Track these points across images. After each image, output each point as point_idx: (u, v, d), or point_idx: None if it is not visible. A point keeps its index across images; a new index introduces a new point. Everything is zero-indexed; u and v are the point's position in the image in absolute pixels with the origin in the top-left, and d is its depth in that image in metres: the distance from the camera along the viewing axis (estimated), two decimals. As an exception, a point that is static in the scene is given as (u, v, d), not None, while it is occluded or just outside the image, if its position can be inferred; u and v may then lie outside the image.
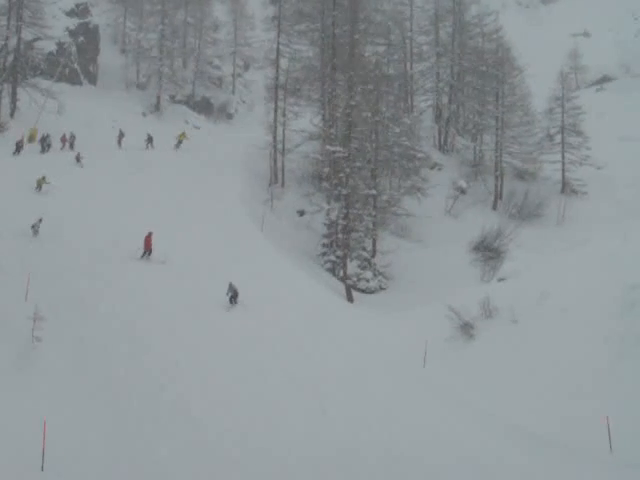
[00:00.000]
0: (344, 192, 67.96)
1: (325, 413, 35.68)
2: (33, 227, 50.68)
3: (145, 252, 52.59)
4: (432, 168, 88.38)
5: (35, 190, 59.85)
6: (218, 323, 44.73)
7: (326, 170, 73.10)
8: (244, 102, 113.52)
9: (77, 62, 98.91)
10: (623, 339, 35.28)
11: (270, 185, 79.91)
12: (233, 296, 48.18)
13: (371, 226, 71.28)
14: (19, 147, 71.13)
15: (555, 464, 28.70)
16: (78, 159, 70.38)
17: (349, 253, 68.01)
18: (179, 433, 32.48)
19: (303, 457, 31.33)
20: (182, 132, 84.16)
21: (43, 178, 60.23)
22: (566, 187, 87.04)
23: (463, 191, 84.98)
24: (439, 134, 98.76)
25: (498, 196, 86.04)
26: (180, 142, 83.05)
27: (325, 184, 72.14)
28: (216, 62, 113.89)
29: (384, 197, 74.54)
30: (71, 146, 77.08)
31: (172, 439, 31.93)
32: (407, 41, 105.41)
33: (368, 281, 68.53)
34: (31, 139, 75.14)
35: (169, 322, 43.31)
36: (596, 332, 37.15)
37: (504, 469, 28.47)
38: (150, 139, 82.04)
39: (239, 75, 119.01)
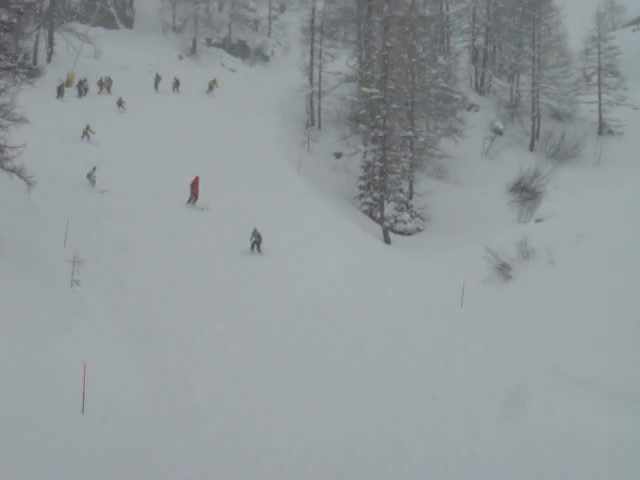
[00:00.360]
0: (381, 134, 67.37)
1: (365, 354, 35.86)
2: (89, 176, 51.30)
3: (191, 198, 53.31)
4: (469, 109, 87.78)
5: (81, 139, 60.27)
6: (254, 267, 44.95)
7: (362, 112, 72.44)
8: (280, 44, 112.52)
9: (113, 6, 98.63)
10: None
11: (307, 127, 79.72)
12: (256, 242, 48.29)
13: (408, 168, 70.76)
14: (61, 91, 71.53)
15: (589, 404, 28.61)
16: (120, 104, 70.64)
17: (386, 195, 67.55)
18: (217, 374, 32.72)
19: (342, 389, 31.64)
20: (213, 79, 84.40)
21: (88, 127, 60.59)
22: (603, 128, 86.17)
23: (500, 132, 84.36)
24: (475, 75, 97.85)
25: (535, 137, 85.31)
26: (211, 88, 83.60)
27: (362, 126, 71.58)
28: (252, 4, 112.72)
29: (421, 139, 74.05)
30: (108, 90, 77.30)
31: (210, 380, 32.16)
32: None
33: (405, 223, 68.29)
34: (69, 83, 75.37)
35: (206, 266, 43.61)
36: (634, 273, 36.86)
37: (536, 405, 28.38)
38: (177, 83, 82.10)
39: (275, 17, 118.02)
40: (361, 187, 70.18)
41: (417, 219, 69.27)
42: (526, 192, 70.27)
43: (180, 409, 30.07)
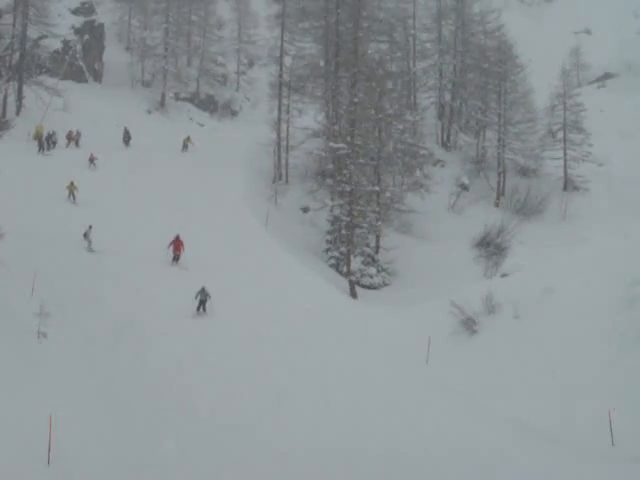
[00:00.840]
0: (347, 188, 67.97)
1: (329, 405, 35.79)
2: (85, 236, 51.36)
3: (174, 257, 53.28)
4: (435, 165, 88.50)
5: (68, 199, 60.54)
6: (223, 322, 44.90)
7: (330, 167, 73.08)
8: (248, 99, 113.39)
9: (82, 60, 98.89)
10: (625, 335, 35.24)
11: (274, 182, 79.97)
12: (203, 300, 46.11)
13: (375, 222, 71.22)
14: (41, 145, 72.63)
15: (555, 458, 28.70)
16: (92, 160, 70.68)
17: (353, 249, 68.05)
18: (184, 428, 32.54)
19: (310, 448, 31.43)
20: (187, 136, 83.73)
21: (72, 184, 60.44)
22: (568, 184, 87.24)
23: (466, 187, 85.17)
24: (442, 131, 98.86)
25: (500, 192, 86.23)
26: (186, 146, 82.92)
27: (329, 181, 72.14)
28: (220, 60, 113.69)
29: (387, 194, 74.57)
30: (76, 143, 77.37)
31: (177, 434, 31.99)
32: (410, 39, 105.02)
33: (372, 277, 68.63)
34: (36, 136, 75.26)
35: (174, 321, 43.57)
36: (598, 328, 37.10)
37: (504, 463, 28.44)
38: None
39: (243, 73, 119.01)
40: (328, 241, 70.49)
41: (383, 273, 69.58)
42: (492, 247, 70.79)
43: (147, 463, 29.83)
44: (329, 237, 70.41)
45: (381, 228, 72.65)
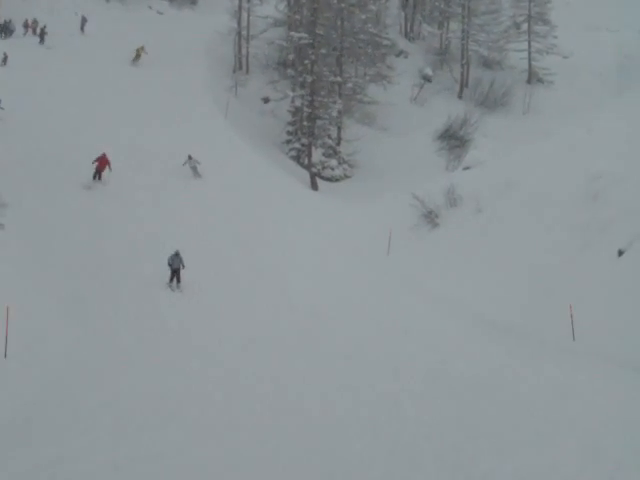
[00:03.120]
0: (309, 79, 66.83)
1: (285, 295, 35.76)
2: None
3: (96, 173, 47.29)
4: (398, 56, 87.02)
5: None
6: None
7: (291, 57, 71.79)
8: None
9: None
10: (588, 228, 35.05)
11: (234, 72, 78.46)
12: (175, 271, 37.63)
13: (336, 114, 70.26)
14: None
15: (516, 352, 28.62)
16: (42, 36, 70.72)
17: (314, 141, 67.27)
18: (144, 324, 32.25)
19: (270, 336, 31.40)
20: (141, 46, 77.01)
21: None
22: (532, 76, 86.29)
23: (429, 79, 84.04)
24: (405, 21, 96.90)
25: (464, 84, 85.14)
26: (139, 56, 76.23)
27: (290, 71, 70.78)
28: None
29: (349, 85, 73.46)
30: (34, 31, 75.58)
31: (137, 330, 31.68)
32: None
33: (333, 169, 68.04)
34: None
35: (130, 208, 43.10)
36: (561, 221, 36.83)
37: (464, 354, 28.32)
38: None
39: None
40: (289, 133, 69.57)
41: (345, 165, 69.03)
42: (454, 140, 70.35)
43: (103, 350, 29.54)
44: (290, 128, 69.42)
45: (343, 120, 71.85)
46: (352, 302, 35.90)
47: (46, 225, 39.51)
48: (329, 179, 67.07)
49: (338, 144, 70.51)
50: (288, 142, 69.15)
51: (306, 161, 66.58)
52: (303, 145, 67.73)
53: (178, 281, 37.34)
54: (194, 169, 51.54)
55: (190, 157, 51.65)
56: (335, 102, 69.98)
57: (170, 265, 37.22)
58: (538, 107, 78.14)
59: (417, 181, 52.95)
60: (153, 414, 24.16)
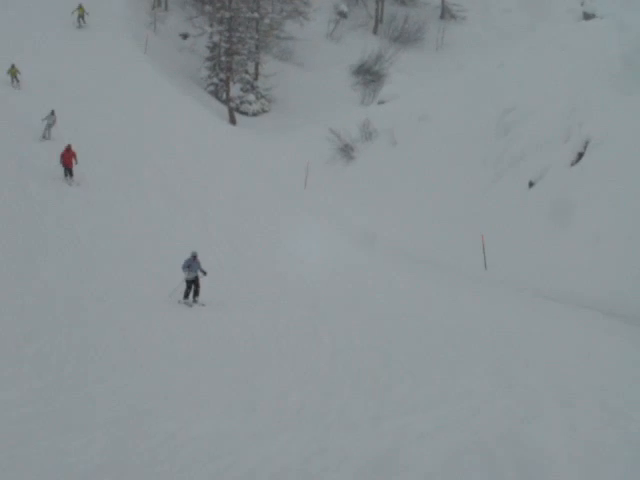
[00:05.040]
0: (227, 15, 65.80)
1: (209, 230, 35.30)
2: None
3: (66, 171, 37.87)
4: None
5: None
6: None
7: (208, -7, 70.73)
8: None
9: None
10: (500, 161, 35.22)
11: (153, 9, 76.82)
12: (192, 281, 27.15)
13: (254, 49, 69.48)
14: None
15: (430, 279, 28.74)
16: None
17: (232, 76, 66.56)
18: (63, 254, 31.42)
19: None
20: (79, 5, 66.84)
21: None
22: (445, 12, 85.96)
23: (344, 15, 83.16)
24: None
25: (379, 20, 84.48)
26: (81, 16, 66.14)
27: (208, 7, 69.55)
28: None
29: (266, 21, 72.40)
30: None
31: (56, 261, 30.83)
32: None
33: (251, 104, 67.41)
34: None
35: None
36: (474, 154, 36.99)
37: (379, 282, 28.32)
38: None
39: None
40: (207, 68, 68.59)
41: (262, 100, 68.41)
42: (369, 75, 70.00)
43: (28, 284, 28.69)
44: (208, 64, 68.39)
45: (260, 55, 71.07)
46: (268, 234, 35.66)
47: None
48: (247, 114, 66.46)
49: (256, 79, 69.77)
50: (207, 77, 68.23)
51: (224, 96, 65.90)
52: (221, 80, 66.95)
53: (196, 294, 27.20)
54: (48, 127, 42.37)
55: (53, 112, 42.80)
56: (252, 38, 69.22)
57: (187, 273, 26.90)
58: (451, 42, 77.90)
59: (333, 115, 52.67)
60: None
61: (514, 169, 33.96)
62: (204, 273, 26.93)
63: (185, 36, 73.06)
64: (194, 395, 17.13)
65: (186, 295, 26.94)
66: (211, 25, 67.92)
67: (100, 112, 46.32)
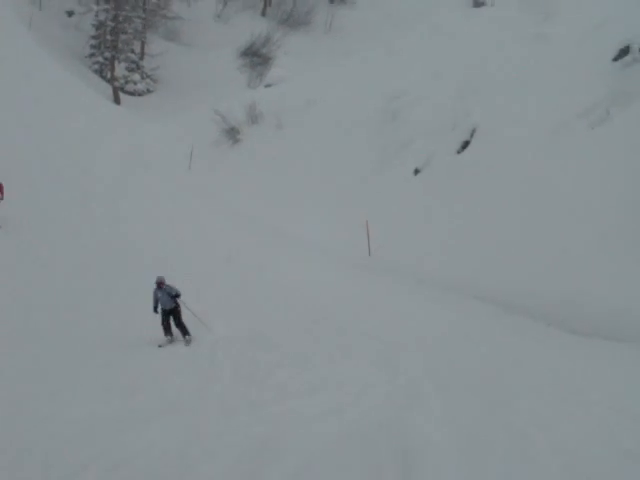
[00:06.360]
0: (114, -7, 64.72)
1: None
2: None
3: None
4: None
5: None
6: None
7: (95, -31, 69.09)
8: None
9: None
10: (387, 147, 35.01)
11: (37, -16, 74.86)
12: (169, 311, 20.99)
13: (140, 28, 68.24)
14: None
15: (315, 265, 28.40)
16: None
17: (117, 55, 65.26)
18: None
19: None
20: None
21: None
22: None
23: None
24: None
25: (267, 3, 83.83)
26: None
27: (94, -17, 68.27)
28: None
29: (154, 0, 71.52)
30: None
31: None
32: None
33: (136, 84, 66.21)
34: None
35: None
36: (360, 140, 36.71)
37: (265, 266, 27.89)
38: None
39: None
40: (92, 46, 66.96)
41: (148, 80, 67.25)
42: (257, 57, 69.38)
43: None
44: (93, 42, 66.74)
45: (147, 35, 69.84)
46: (149, 212, 34.99)
47: None
48: (132, 93, 65.25)
49: (141, 59, 68.52)
50: (91, 56, 66.60)
51: (109, 75, 64.60)
52: (106, 59, 65.54)
53: (185, 333, 20.47)
54: None
55: None
56: (139, 17, 68.01)
57: (159, 305, 20.74)
58: (340, 27, 77.68)
59: (220, 97, 51.88)
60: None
61: (400, 155, 33.75)
62: (178, 296, 20.66)
63: (71, 13, 71.33)
64: (71, 378, 16.60)
65: (167, 330, 20.67)
66: (97, 3, 66.88)
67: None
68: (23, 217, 30.13)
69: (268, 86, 52.19)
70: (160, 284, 20.40)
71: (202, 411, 13.54)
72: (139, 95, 65.50)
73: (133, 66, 66.74)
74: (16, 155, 37.34)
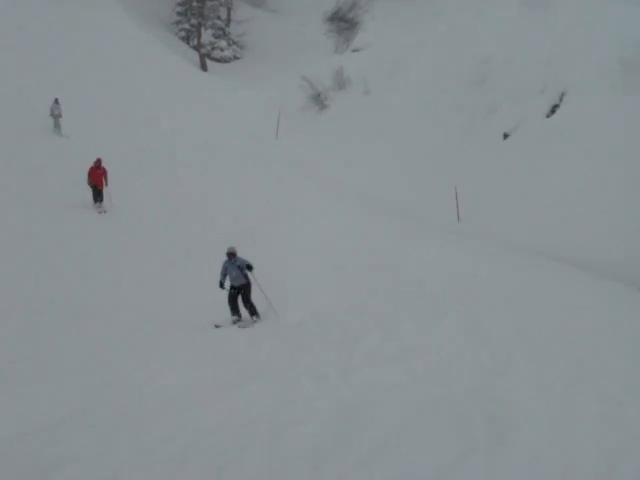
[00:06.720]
0: (200, -41, 65.08)
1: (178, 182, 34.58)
2: None
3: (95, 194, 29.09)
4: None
5: None
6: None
7: None
8: None
9: None
10: (475, 112, 34.71)
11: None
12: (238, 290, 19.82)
13: (226, -6, 68.74)
14: None
15: (404, 231, 28.31)
16: None
17: (204, 22, 65.72)
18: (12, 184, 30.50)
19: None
20: None
21: None
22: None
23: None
24: None
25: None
26: None
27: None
28: None
29: (240, -35, 71.82)
30: None
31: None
32: None
33: (222, 50, 66.64)
34: None
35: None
36: (449, 105, 36.39)
37: (351, 232, 27.83)
38: None
39: None
40: (179, 13, 67.58)
41: (234, 47, 67.58)
42: (344, 22, 69.07)
43: None
44: (180, 9, 67.34)
45: (232, 1, 70.12)
46: (240, 183, 35.07)
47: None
48: (219, 60, 65.72)
49: (228, 25, 68.84)
50: (178, 23, 67.23)
51: (195, 42, 65.04)
52: (192, 26, 66.04)
53: (253, 313, 19.01)
54: (56, 119, 35.71)
55: (57, 101, 36.11)
56: (225, -18, 68.39)
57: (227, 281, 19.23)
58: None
59: (306, 63, 51.85)
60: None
61: (489, 120, 33.47)
62: (250, 268, 19.00)
63: (157, -20, 71.91)
64: (160, 346, 16.84)
65: (234, 310, 19.14)
66: (184, -31, 67.13)
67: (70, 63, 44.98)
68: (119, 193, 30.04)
69: (355, 51, 52.05)
70: (231, 255, 18.84)
71: (292, 377, 13.52)
72: (225, 62, 65.95)
73: (219, 33, 67.13)
74: (110, 126, 37.91)
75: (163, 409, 12.19)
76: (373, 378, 13.10)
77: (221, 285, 18.96)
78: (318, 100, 44.31)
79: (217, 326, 18.53)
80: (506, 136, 31.80)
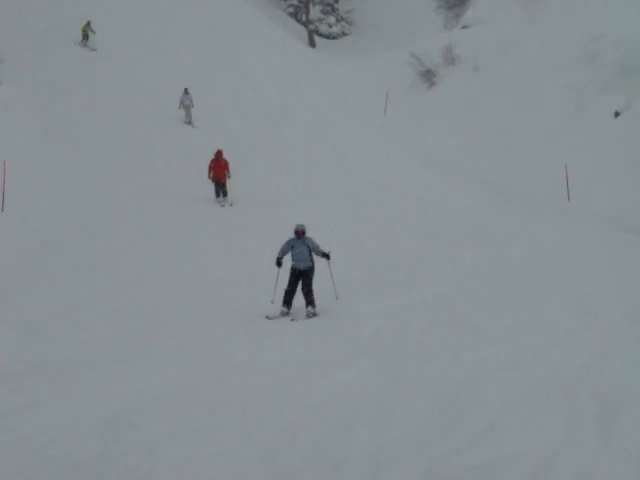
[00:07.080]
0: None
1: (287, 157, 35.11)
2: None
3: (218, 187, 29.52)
4: None
5: None
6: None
7: None
8: None
9: None
10: (585, 89, 34.45)
11: None
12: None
13: (335, -31, 68.81)
14: None
15: (512, 210, 28.30)
16: None
17: (312, -3, 66.12)
18: (138, 178, 31.42)
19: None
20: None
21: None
22: None
23: None
24: None
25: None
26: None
27: None
28: None
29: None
30: None
31: (131, 183, 30.86)
32: None
33: (331, 26, 66.79)
34: None
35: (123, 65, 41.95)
36: (559, 82, 36.09)
37: (467, 212, 27.88)
38: None
39: None
40: (288, -11, 68.21)
41: (343, 23, 67.69)
42: (453, -3, 68.71)
43: (100, 208, 28.67)
44: (288, -15, 67.98)
45: (341, -24, 70.24)
46: (348, 158, 35.39)
47: (45, 82, 38.14)
48: (327, 36, 65.90)
49: (336, 1, 68.96)
50: (286, -1, 67.76)
51: (303, 18, 65.30)
52: (301, 2, 66.33)
53: (310, 304, 17.52)
54: (187, 109, 37.27)
55: (187, 91, 37.52)
56: (335, -43, 68.44)
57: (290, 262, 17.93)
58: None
59: (415, 39, 51.81)
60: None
61: (600, 98, 33.18)
62: (326, 256, 17.82)
63: (265, -44, 72.33)
64: (266, 323, 17.10)
65: (288, 297, 17.68)
66: (293, -56, 67.34)
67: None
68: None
69: (465, 28, 51.68)
70: (300, 233, 17.48)
71: (398, 356, 13.61)
72: (334, 38, 66.06)
73: (328, 9, 67.26)
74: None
75: (269, 385, 12.37)
76: (482, 357, 13.17)
77: (278, 263, 17.61)
78: (427, 77, 44.31)
79: (268, 317, 17.25)
80: (617, 114, 31.53)
